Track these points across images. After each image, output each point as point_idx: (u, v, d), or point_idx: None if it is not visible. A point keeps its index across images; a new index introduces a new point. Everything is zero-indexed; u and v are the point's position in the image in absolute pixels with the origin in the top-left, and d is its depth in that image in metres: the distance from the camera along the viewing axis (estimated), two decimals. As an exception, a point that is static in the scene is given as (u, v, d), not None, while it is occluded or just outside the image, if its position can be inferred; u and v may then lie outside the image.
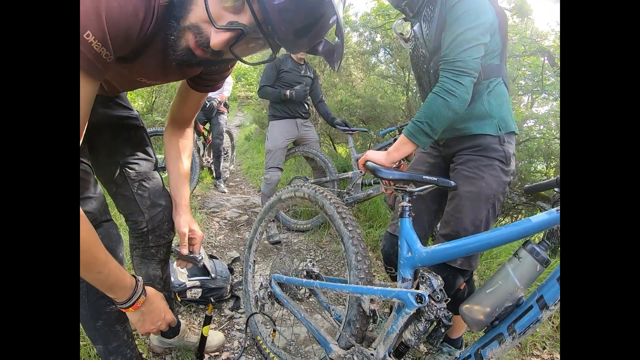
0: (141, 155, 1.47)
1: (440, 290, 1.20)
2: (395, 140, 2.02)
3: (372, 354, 1.32)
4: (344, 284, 1.42)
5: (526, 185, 1.30)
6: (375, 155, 1.46)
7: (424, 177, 1.34)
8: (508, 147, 1.50)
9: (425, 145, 1.43)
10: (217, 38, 0.84)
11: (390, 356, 1.31)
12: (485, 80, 1.49)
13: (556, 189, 1.13)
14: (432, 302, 1.19)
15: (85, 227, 0.90)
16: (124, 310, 1.11)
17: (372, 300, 1.34)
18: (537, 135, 4.49)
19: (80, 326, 1.33)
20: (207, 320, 1.76)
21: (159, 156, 4.19)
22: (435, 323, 1.22)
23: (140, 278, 1.13)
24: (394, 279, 1.70)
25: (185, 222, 1.44)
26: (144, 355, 1.73)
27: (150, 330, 1.18)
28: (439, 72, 1.39)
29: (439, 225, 1.67)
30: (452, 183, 1.38)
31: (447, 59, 1.36)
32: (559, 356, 2.07)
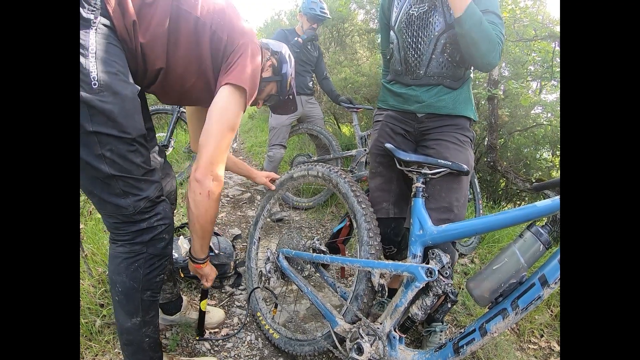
0: (149, 125, 1.49)
1: (449, 266, 1.24)
2: None
3: (378, 328, 1.37)
4: (355, 259, 1.47)
5: (534, 184, 1.35)
6: None
7: (439, 161, 1.43)
8: (473, 131, 1.67)
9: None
10: (260, 105, 1.71)
11: (396, 330, 1.36)
12: (470, 69, 1.63)
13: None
14: (441, 277, 1.24)
15: (215, 206, 1.37)
16: (199, 267, 1.56)
17: (381, 275, 1.38)
18: (544, 123, 4.46)
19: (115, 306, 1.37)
20: (204, 295, 1.78)
21: (160, 134, 4.17)
22: (442, 298, 1.26)
23: None
24: (389, 257, 1.75)
25: (264, 174, 2.05)
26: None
27: (212, 279, 1.67)
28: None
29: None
30: (465, 168, 1.45)
31: (498, 28, 1.47)
32: (556, 344, 2.13)
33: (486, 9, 1.47)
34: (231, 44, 1.36)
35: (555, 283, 1.06)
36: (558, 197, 1.09)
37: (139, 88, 1.20)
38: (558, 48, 3.59)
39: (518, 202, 5.06)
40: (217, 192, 1.34)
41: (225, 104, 1.33)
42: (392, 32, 1.69)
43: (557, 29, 3.58)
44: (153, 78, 1.32)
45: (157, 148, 1.53)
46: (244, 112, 1.42)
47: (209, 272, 1.64)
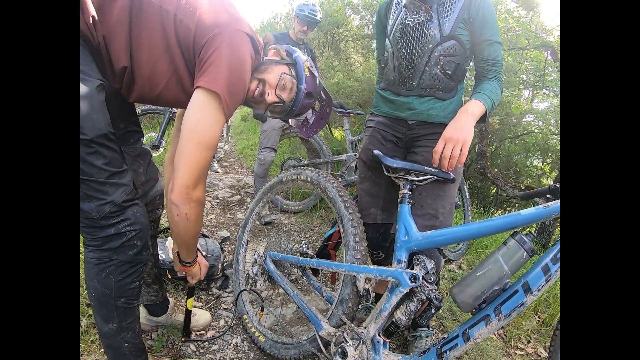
0: (134, 128, 1.45)
1: (433, 272, 1.25)
2: None
3: (362, 332, 1.37)
4: (340, 263, 1.47)
5: (521, 193, 1.37)
6: (461, 123, 1.41)
7: (425, 168, 1.44)
8: None
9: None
10: (270, 97, 1.35)
11: (380, 335, 1.36)
12: (462, 81, 1.64)
13: (548, 195, 1.21)
14: (425, 282, 1.25)
15: (202, 215, 1.30)
16: (186, 269, 1.52)
17: (367, 280, 1.38)
18: (535, 131, 4.51)
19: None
20: (191, 293, 1.76)
21: (152, 134, 4.12)
22: (426, 303, 1.27)
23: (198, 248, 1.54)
24: (377, 263, 1.75)
25: None
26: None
27: (203, 276, 1.62)
28: (491, 72, 1.57)
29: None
30: (451, 175, 1.48)
31: (499, 63, 1.56)
32: (542, 350, 2.15)
33: (490, 39, 1.52)
34: (202, 35, 1.17)
35: (539, 290, 1.08)
36: (542, 205, 1.10)
37: (100, 82, 1.08)
38: (550, 57, 3.63)
39: (508, 209, 5.11)
40: (196, 214, 1.26)
41: (197, 116, 1.18)
42: (387, 41, 1.69)
43: (550, 38, 3.63)
44: (120, 78, 1.20)
45: (141, 151, 1.47)
46: (226, 119, 1.24)
47: (197, 272, 1.58)
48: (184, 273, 1.58)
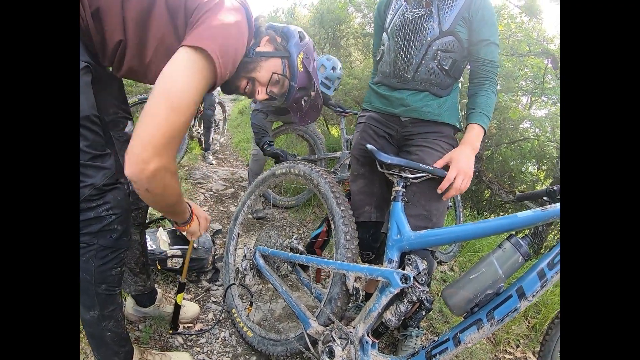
0: (124, 114, 1.42)
1: (425, 273, 1.23)
2: None
3: (350, 332, 1.35)
4: (330, 260, 1.44)
5: (518, 194, 1.36)
6: (471, 160, 1.48)
7: (420, 165, 1.41)
8: (457, 141, 1.66)
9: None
10: (260, 95, 1.30)
11: (369, 335, 1.34)
12: (458, 80, 1.64)
13: (545, 198, 1.20)
14: (416, 283, 1.22)
15: (175, 181, 1.14)
16: (182, 228, 1.42)
17: (356, 279, 1.36)
18: (532, 137, 4.51)
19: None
20: (181, 288, 1.75)
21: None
22: (416, 305, 1.25)
23: (190, 202, 1.42)
24: (367, 263, 1.73)
25: None
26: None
27: (204, 229, 1.49)
28: (486, 72, 1.56)
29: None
30: (446, 173, 1.44)
31: (495, 64, 1.56)
32: (531, 355, 2.14)
33: (488, 39, 1.52)
34: (193, 1, 1.11)
35: (533, 296, 1.06)
36: (539, 208, 1.08)
37: (85, 64, 1.05)
38: (550, 65, 3.63)
39: (501, 213, 5.11)
40: (159, 186, 1.07)
41: (171, 70, 1.02)
42: (384, 34, 1.67)
43: (551, 46, 3.63)
44: (113, 54, 1.14)
45: (131, 136, 1.43)
46: (213, 86, 1.12)
47: (195, 229, 1.45)
48: (184, 232, 1.49)
